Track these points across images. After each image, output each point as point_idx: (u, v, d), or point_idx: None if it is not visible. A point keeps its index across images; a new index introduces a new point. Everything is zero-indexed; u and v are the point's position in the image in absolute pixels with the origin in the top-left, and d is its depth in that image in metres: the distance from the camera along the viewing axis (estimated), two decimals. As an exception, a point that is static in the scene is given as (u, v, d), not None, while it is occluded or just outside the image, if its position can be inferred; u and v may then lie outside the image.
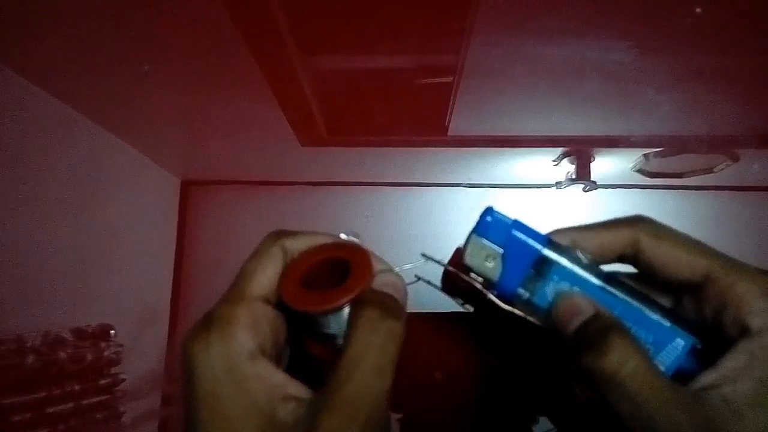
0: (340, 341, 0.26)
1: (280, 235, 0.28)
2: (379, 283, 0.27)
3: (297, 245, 0.28)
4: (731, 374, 0.24)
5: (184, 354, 0.24)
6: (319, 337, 0.27)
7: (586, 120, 1.22)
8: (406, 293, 0.28)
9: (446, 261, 0.29)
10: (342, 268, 0.27)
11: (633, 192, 1.72)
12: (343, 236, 0.29)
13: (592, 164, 1.42)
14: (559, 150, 1.39)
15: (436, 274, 0.30)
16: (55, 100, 1.12)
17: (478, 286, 0.28)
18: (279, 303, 0.27)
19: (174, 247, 1.75)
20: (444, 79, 1.03)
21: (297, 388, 0.24)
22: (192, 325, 0.25)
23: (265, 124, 1.25)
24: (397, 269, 0.28)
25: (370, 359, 0.24)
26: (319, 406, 0.23)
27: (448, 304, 0.31)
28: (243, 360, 0.24)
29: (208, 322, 0.24)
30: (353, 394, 0.23)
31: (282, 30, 0.85)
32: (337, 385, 0.23)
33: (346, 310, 0.26)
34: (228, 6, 0.76)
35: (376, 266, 0.27)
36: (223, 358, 0.24)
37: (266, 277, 0.27)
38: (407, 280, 0.28)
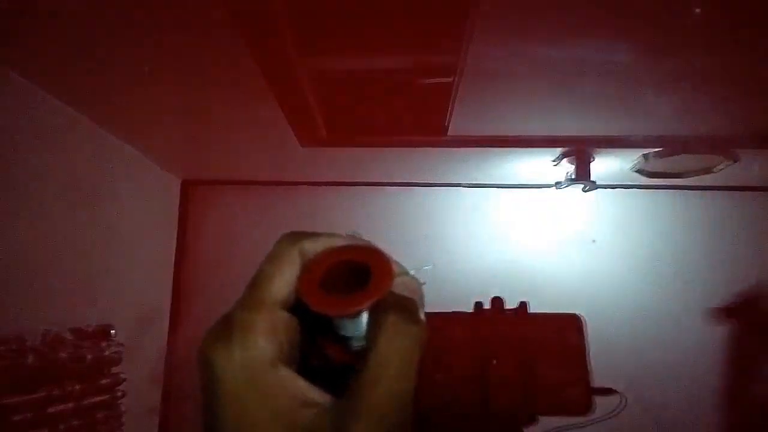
0: (356, 343, 0.26)
1: (298, 237, 0.28)
2: (399, 286, 0.27)
3: (315, 247, 0.28)
4: None
5: (204, 360, 0.24)
6: (335, 338, 0.27)
7: (586, 120, 1.22)
8: (423, 296, 0.28)
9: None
10: (359, 270, 0.27)
11: (632, 192, 1.72)
12: None
13: (591, 164, 1.42)
14: (559, 150, 1.38)
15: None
16: (55, 100, 1.12)
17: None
18: (295, 304, 0.27)
19: (174, 247, 1.75)
20: (444, 80, 1.03)
21: (317, 394, 0.25)
22: (210, 330, 0.25)
23: (265, 124, 1.25)
24: (413, 272, 0.28)
25: (395, 364, 0.24)
26: (347, 412, 0.23)
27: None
28: (264, 367, 0.24)
29: (229, 329, 0.25)
30: (381, 398, 0.23)
31: (282, 30, 0.85)
32: (364, 390, 0.24)
33: (365, 313, 0.26)
34: (228, 6, 0.76)
35: (394, 269, 0.27)
36: (246, 365, 0.24)
37: (284, 281, 0.27)
38: None
